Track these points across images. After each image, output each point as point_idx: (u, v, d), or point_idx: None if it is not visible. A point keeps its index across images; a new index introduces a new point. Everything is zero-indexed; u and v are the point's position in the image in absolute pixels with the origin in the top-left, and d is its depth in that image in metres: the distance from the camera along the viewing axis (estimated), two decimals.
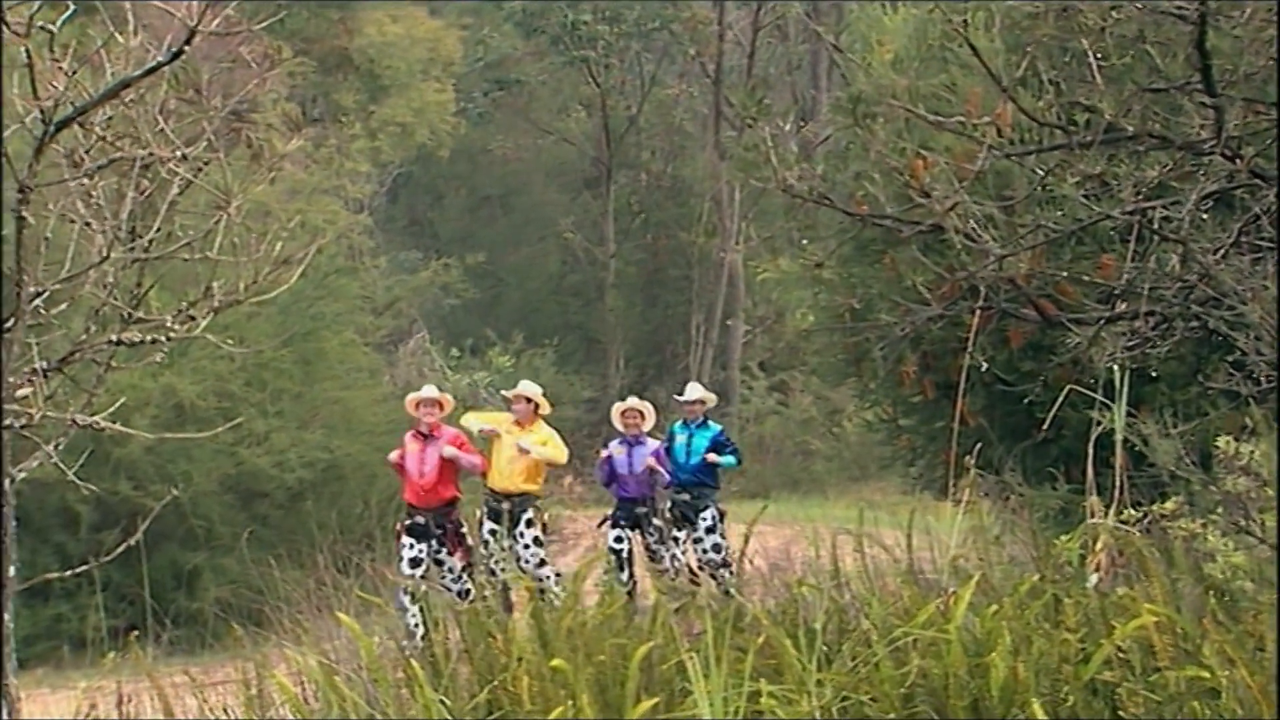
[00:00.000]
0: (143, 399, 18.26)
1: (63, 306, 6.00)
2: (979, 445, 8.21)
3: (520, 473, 14.44)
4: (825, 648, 6.24)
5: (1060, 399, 8.44)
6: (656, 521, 15.05)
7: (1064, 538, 7.00)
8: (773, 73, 43.36)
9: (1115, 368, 8.01)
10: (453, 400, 14.96)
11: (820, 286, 13.32)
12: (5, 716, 5.27)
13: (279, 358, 21.48)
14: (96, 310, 6.07)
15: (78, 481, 6.21)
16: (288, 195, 24.15)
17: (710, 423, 15.54)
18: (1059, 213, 9.32)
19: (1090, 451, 7.43)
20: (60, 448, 6.01)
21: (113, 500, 17.81)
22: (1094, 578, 6.71)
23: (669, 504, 15.71)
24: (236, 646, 12.01)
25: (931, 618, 6.19)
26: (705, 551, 14.59)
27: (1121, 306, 9.37)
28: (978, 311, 9.85)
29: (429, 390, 14.79)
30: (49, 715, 7.09)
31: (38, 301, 5.66)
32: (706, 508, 15.01)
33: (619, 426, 15.51)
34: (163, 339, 6.11)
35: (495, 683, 6.30)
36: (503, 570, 14.10)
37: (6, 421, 5.56)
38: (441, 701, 6.15)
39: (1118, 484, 7.31)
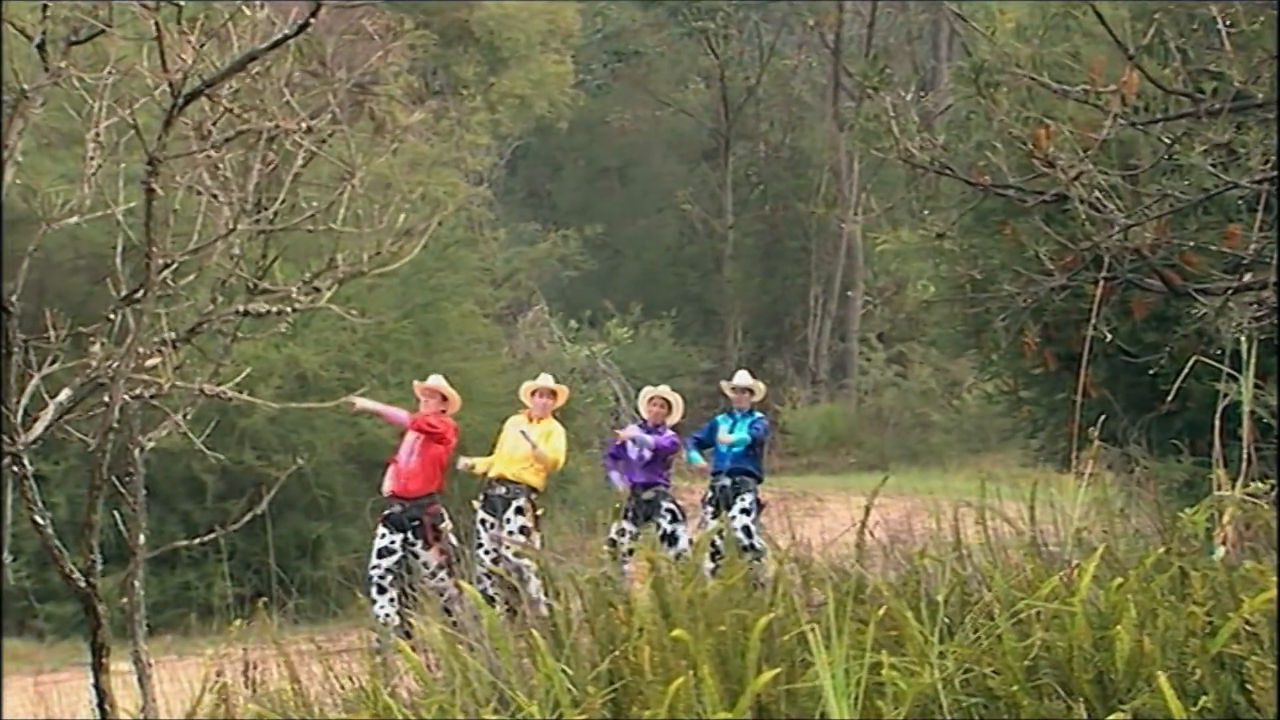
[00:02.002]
0: (267, 370, 18.44)
1: (190, 278, 6.07)
2: (1102, 417, 8.13)
3: (521, 460, 14.29)
4: (947, 620, 6.20)
5: (1185, 370, 8.33)
6: (668, 505, 14.93)
7: (1190, 510, 6.92)
8: (892, 42, 43.06)
9: (1242, 339, 7.90)
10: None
11: (941, 257, 13.24)
12: (137, 682, 5.35)
13: (400, 329, 21.62)
14: (223, 281, 6.13)
15: (205, 450, 6.29)
16: (408, 167, 24.27)
17: (756, 414, 15.45)
18: (1185, 182, 9.20)
19: (1216, 423, 7.33)
20: (188, 417, 6.09)
21: (237, 470, 18.02)
22: (1221, 550, 6.63)
23: (707, 491, 15.63)
24: (360, 615, 12.15)
25: (1055, 590, 6.14)
26: (733, 530, 14.44)
27: (1249, 277, 9.24)
28: (1101, 282, 9.75)
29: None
30: (177, 681, 7.19)
31: (166, 273, 5.72)
32: (746, 494, 14.93)
33: (644, 413, 15.40)
34: (287, 310, 6.16)
35: (616, 653, 6.32)
36: (492, 561, 13.95)
37: (136, 391, 5.64)
38: (563, 671, 6.17)
39: (1245, 456, 7.21)
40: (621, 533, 14.66)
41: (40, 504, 5.53)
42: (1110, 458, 10.74)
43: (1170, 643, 5.78)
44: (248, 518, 6.17)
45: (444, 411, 14.25)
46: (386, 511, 13.93)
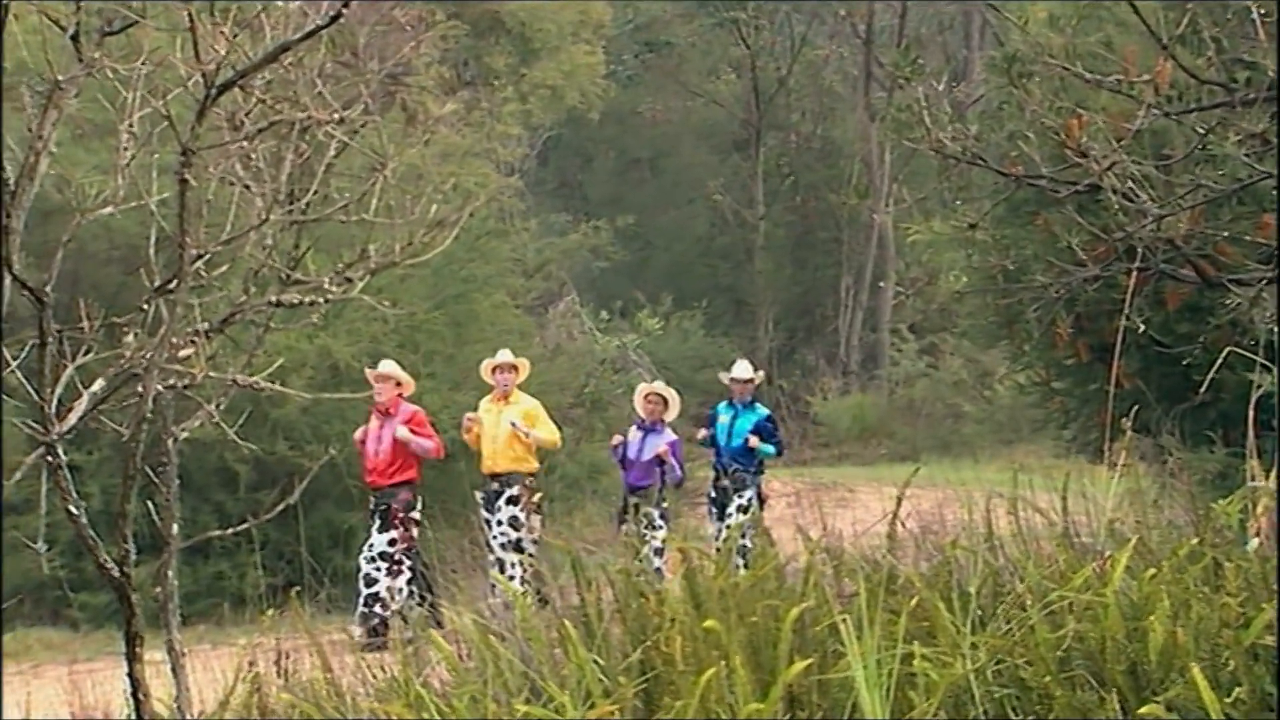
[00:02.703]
0: (299, 360, 18.50)
1: (223, 269, 6.09)
2: (1135, 408, 8.10)
3: (506, 451, 14.14)
4: (979, 611, 6.20)
5: (1219, 361, 8.30)
6: (651, 511, 14.78)
7: (1223, 501, 6.90)
8: (924, 32, 42.95)
9: (1276, 329, 7.88)
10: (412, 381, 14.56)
11: (973, 248, 13.20)
12: (171, 671, 5.38)
13: (431, 319, 21.65)
14: (255, 272, 6.15)
15: (238, 441, 6.32)
16: (440, 158, 24.31)
17: (758, 405, 15.30)
18: (1219, 172, 9.17)
19: (1250, 414, 7.30)
20: (221, 408, 6.11)
21: (270, 460, 18.08)
22: (1255, 542, 6.60)
23: (709, 490, 15.47)
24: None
25: (1088, 581, 6.13)
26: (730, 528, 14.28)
27: None
28: (1134, 272, 9.73)
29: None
30: (210, 671, 7.23)
31: (199, 264, 5.74)
32: (747, 488, 14.79)
33: (639, 410, 15.23)
34: (320, 301, 6.17)
35: (648, 643, 6.33)
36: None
37: (170, 382, 5.66)
38: (595, 661, 6.18)
39: (1279, 447, 7.19)
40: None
41: (74, 494, 5.55)
42: (1143, 449, 10.73)
43: (1204, 634, 5.76)
44: (280, 508, 6.19)
45: (400, 395, 14.08)
46: (370, 506, 13.83)
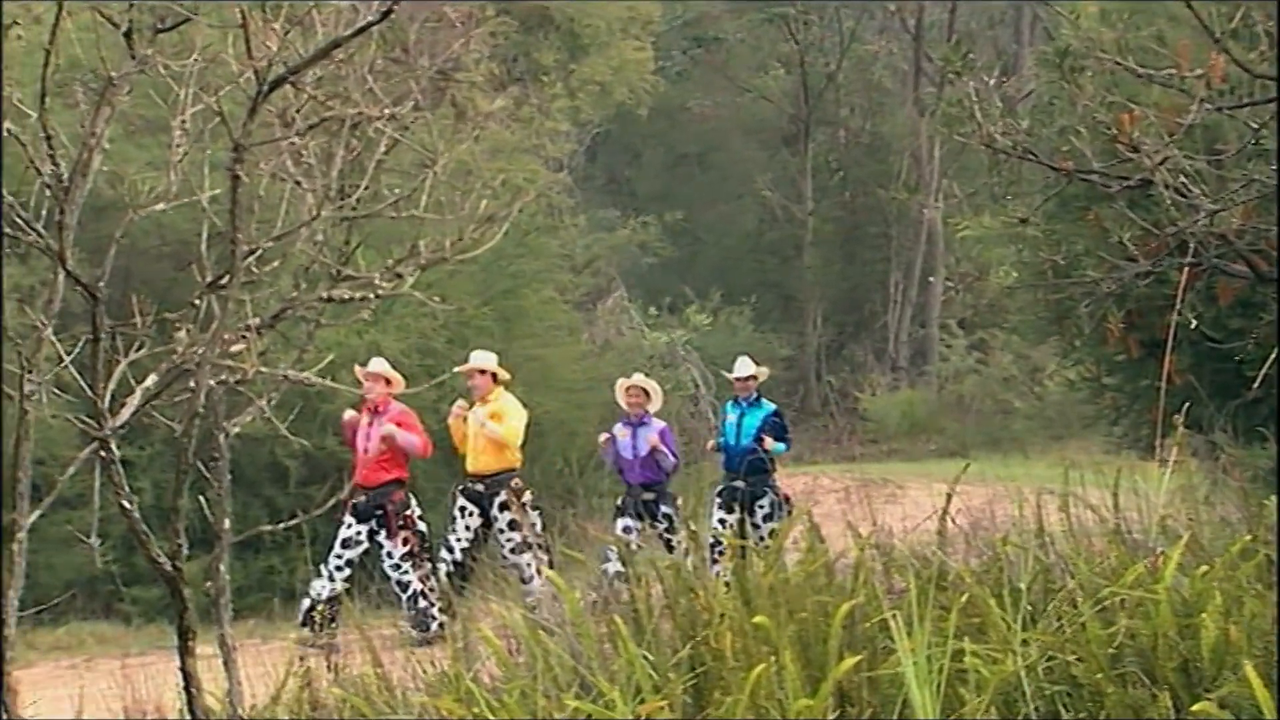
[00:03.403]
0: (349, 355, 18.51)
1: (275, 265, 6.11)
2: (1186, 404, 8.07)
3: (485, 450, 14.03)
4: (1030, 607, 6.18)
5: (1271, 357, 8.25)
6: (665, 509, 14.65)
7: (1276, 497, 6.86)
8: (974, 27, 42.80)
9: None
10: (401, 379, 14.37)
11: (1023, 243, 13.16)
12: (223, 665, 5.40)
13: (480, 315, 21.67)
14: (306, 268, 6.17)
15: (289, 436, 6.34)
16: (489, 154, 24.34)
17: (764, 401, 15.15)
18: (1272, 167, 9.12)
19: None
20: (272, 403, 6.13)
21: (320, 455, 18.13)
22: None
23: (717, 489, 15.29)
24: (441, 600, 12.23)
25: (1139, 578, 6.10)
26: (762, 539, 14.09)
27: None
28: (1186, 268, 9.68)
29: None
30: (262, 665, 7.27)
31: (250, 260, 5.76)
32: (764, 494, 14.63)
33: (622, 404, 15.08)
34: (370, 296, 6.19)
35: (697, 639, 6.33)
36: (463, 553, 13.76)
37: (221, 377, 5.69)
38: (645, 657, 6.19)
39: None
40: (626, 530, 14.49)
41: (127, 489, 5.58)
42: (1195, 445, 10.66)
43: (1256, 631, 5.73)
44: (331, 503, 6.21)
45: (390, 394, 13.97)
46: (353, 501, 13.71)
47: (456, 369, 14.49)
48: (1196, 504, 7.24)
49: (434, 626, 13.14)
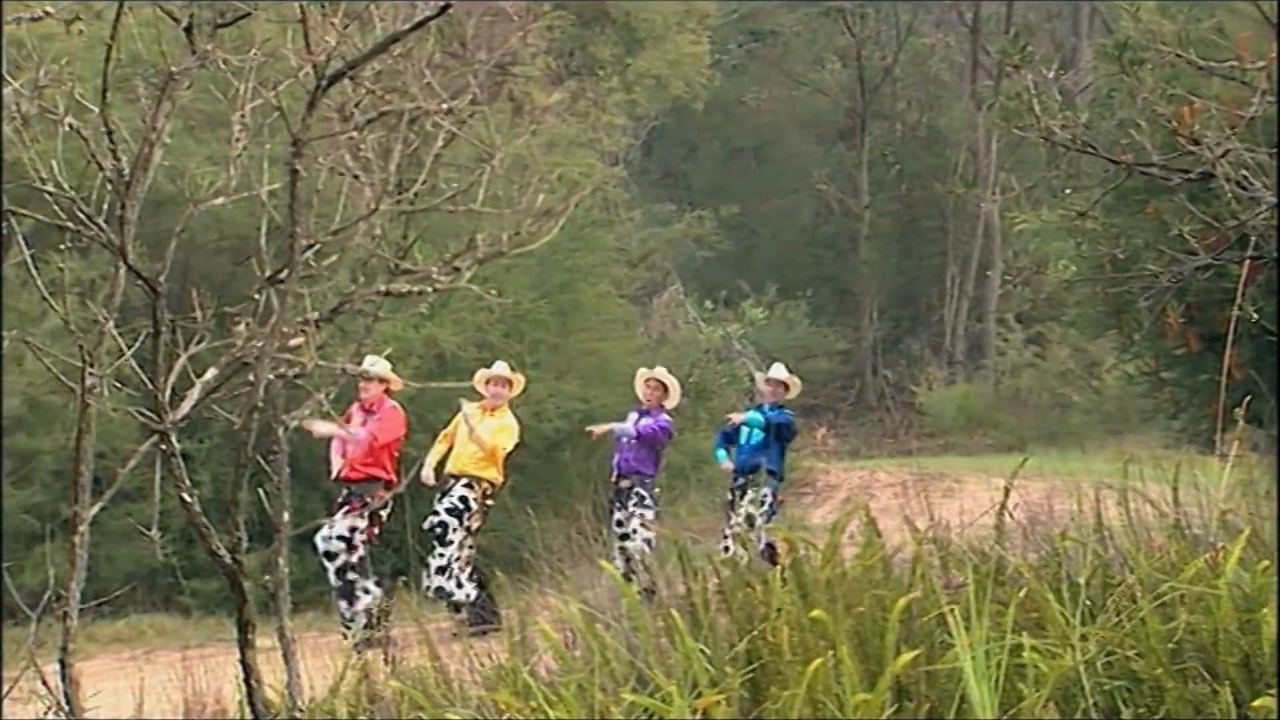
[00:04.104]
0: (406, 349, 18.61)
1: (333, 259, 6.13)
2: (1247, 398, 8.01)
3: (470, 457, 13.92)
4: (1089, 602, 6.15)
5: None
6: (637, 501, 14.55)
7: (1276, 497, 6.82)
8: (1032, 20, 42.62)
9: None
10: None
11: (1082, 237, 13.09)
12: (282, 658, 5.43)
13: (536, 309, 21.71)
14: (364, 262, 6.19)
15: (346, 430, 6.38)
16: (545, 148, 24.39)
17: (784, 410, 15.08)
18: None
19: None
20: (330, 396, 6.15)
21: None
22: None
23: (726, 493, 15.22)
24: (499, 594, 12.23)
25: (1200, 573, 6.06)
26: (736, 525, 14.06)
27: None
28: (1247, 261, 9.62)
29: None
30: (320, 657, 7.31)
31: (309, 254, 5.78)
32: (762, 489, 14.55)
33: (640, 395, 15.02)
34: (428, 290, 6.20)
35: (754, 633, 6.32)
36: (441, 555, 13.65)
37: (280, 370, 5.71)
38: (701, 651, 6.19)
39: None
40: (619, 524, 14.47)
41: (187, 482, 5.61)
42: (1255, 439, 10.59)
43: None
44: (389, 496, 6.23)
45: (387, 393, 13.81)
46: (339, 499, 13.64)
47: (481, 372, 14.32)
48: (1257, 498, 7.18)
49: (360, 603, 13.11)
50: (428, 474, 13.72)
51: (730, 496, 15.07)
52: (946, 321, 42.10)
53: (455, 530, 13.57)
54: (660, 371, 15.12)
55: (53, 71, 5.33)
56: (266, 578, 5.83)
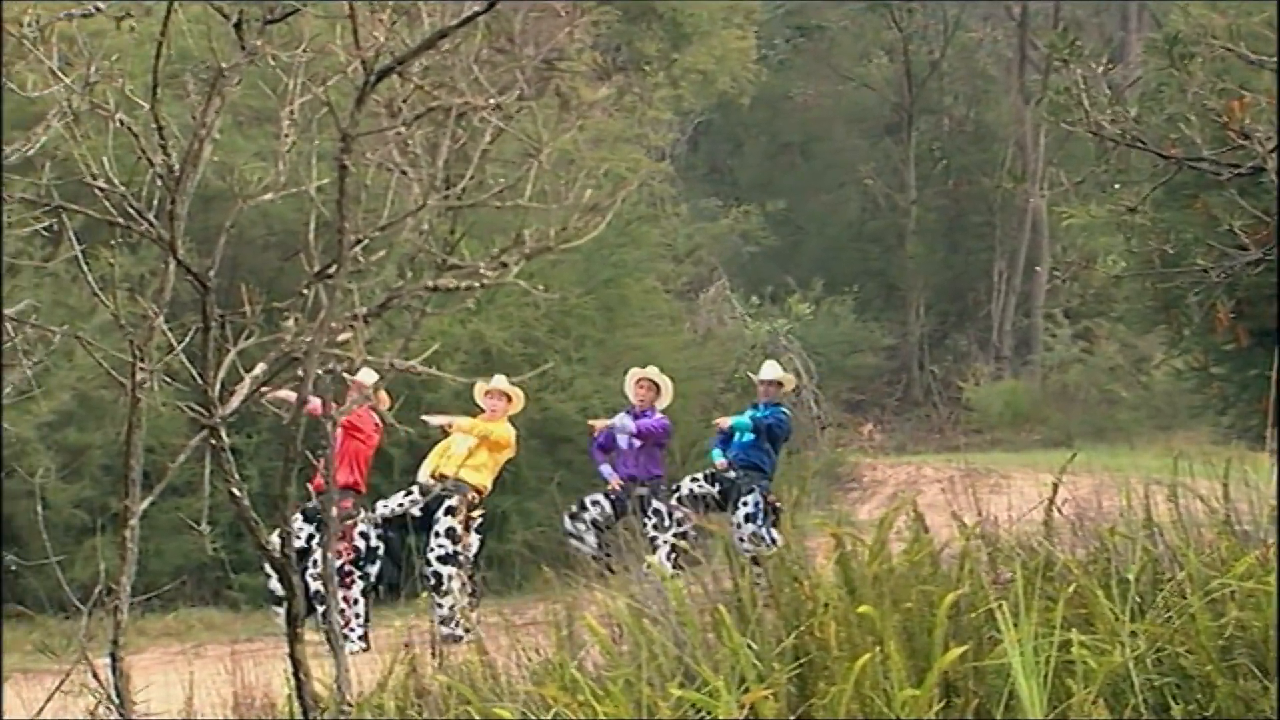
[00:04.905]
0: (452, 344, 18.63)
1: (381, 254, 6.15)
2: None
3: (460, 459, 13.76)
4: (1138, 598, 6.13)
5: None
6: (658, 505, 14.36)
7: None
8: (1080, 14, 42.41)
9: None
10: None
11: (1131, 232, 13.03)
12: (330, 652, 5.45)
13: (582, 304, 21.70)
14: (411, 257, 6.20)
15: (394, 424, 6.38)
16: (592, 143, 24.39)
17: (782, 407, 14.88)
18: None
19: None
20: (377, 392, 6.17)
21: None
22: None
23: (714, 484, 14.98)
24: (545, 588, 12.25)
25: (1250, 569, 6.03)
26: (741, 540, 13.84)
27: None
28: None
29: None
30: (368, 652, 7.36)
31: (357, 249, 5.80)
32: (751, 492, 14.35)
33: (630, 396, 14.81)
34: (475, 285, 6.21)
35: (802, 628, 6.32)
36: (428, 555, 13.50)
37: (328, 365, 5.73)
38: (749, 646, 6.18)
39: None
40: (595, 502, 14.32)
41: (236, 476, 5.64)
42: None
43: None
44: (437, 490, 6.24)
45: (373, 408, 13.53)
46: (304, 506, 13.49)
47: (480, 384, 14.10)
48: None
49: (354, 639, 13.00)
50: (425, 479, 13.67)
51: (721, 491, 14.86)
52: (993, 317, 41.93)
53: (451, 579, 13.47)
54: (652, 371, 14.88)
55: (103, 68, 5.37)
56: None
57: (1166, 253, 12.01)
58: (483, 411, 14.05)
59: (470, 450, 13.74)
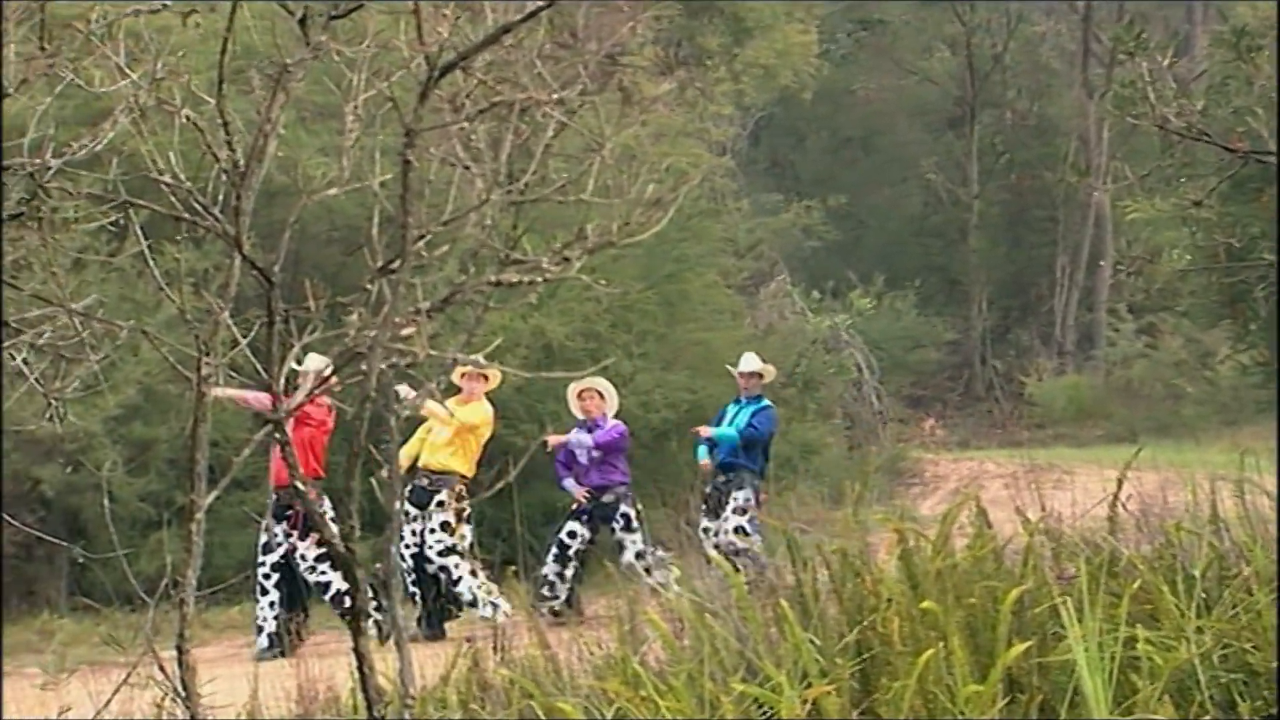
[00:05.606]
0: (514, 339, 18.67)
1: (444, 249, 6.15)
2: None
3: (443, 448, 13.69)
4: (1204, 594, 6.09)
5: None
6: (625, 509, 14.29)
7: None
8: (1145, 7, 42.17)
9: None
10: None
11: (1196, 226, 12.96)
12: (395, 646, 5.46)
13: (643, 299, 21.72)
14: (474, 252, 6.20)
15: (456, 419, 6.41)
16: (653, 138, 24.40)
17: (763, 399, 14.76)
18: None
19: None
20: (441, 386, 6.18)
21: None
22: None
23: (706, 487, 14.89)
24: (607, 583, 12.27)
25: None
26: (725, 532, 13.85)
27: None
28: None
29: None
30: (431, 645, 7.41)
31: (420, 244, 5.81)
32: (742, 488, 14.29)
33: (575, 410, 14.68)
34: (538, 280, 6.21)
35: (864, 624, 6.31)
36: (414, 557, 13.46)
37: (392, 360, 5.75)
38: (811, 641, 6.18)
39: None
40: (572, 535, 14.27)
41: (300, 471, 5.66)
42: None
43: None
44: (499, 486, 6.25)
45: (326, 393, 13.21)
46: (271, 500, 13.41)
47: (459, 369, 13.42)
48: None
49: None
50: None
51: (706, 495, 14.82)
52: (1056, 311, 41.78)
53: (458, 566, 13.52)
54: (592, 380, 14.62)
55: (169, 64, 5.39)
56: (378, 566, 5.87)
57: (1232, 246, 11.94)
58: (459, 391, 13.92)
59: (451, 437, 13.71)
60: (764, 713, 5.99)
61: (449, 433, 13.68)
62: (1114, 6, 41.03)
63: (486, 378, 13.68)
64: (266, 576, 13.49)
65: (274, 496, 13.45)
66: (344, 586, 13.13)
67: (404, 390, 12.86)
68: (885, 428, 31.47)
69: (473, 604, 13.43)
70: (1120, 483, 7.31)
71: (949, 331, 38.75)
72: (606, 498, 14.26)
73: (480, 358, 5.58)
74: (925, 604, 6.10)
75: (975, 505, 7.22)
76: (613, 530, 14.21)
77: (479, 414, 13.85)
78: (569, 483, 14.41)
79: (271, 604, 13.47)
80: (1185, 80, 25.61)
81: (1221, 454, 15.92)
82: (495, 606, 13.02)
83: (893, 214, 44.06)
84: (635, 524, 14.18)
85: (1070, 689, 5.76)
